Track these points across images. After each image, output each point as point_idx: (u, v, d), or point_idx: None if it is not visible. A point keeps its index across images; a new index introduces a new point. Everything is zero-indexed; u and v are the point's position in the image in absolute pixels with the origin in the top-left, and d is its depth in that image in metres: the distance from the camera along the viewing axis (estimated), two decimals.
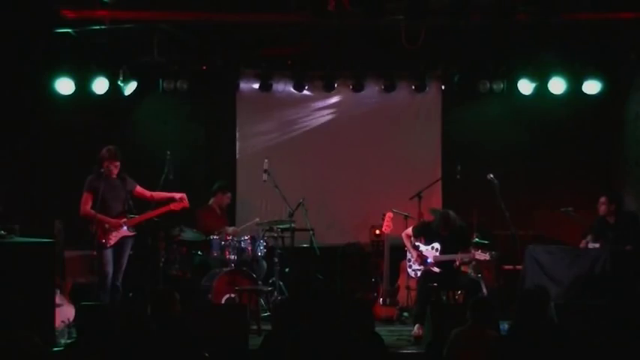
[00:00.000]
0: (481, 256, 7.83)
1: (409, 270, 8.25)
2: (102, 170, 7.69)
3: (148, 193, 8.05)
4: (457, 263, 8.04)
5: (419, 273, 8.09)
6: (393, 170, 10.40)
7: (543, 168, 10.43)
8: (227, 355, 6.26)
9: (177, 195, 8.04)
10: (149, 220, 7.97)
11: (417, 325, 7.59)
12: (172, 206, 8.01)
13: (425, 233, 8.23)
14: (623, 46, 9.50)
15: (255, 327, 7.65)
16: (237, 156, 10.42)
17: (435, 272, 7.99)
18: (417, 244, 8.21)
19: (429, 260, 8.03)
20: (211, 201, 9.33)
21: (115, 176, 7.78)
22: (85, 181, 7.76)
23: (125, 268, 7.87)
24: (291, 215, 9.01)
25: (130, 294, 8.43)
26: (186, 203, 8.08)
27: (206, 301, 8.15)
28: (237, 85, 10.33)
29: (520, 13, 8.13)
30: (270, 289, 8.51)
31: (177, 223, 8.75)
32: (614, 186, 9.97)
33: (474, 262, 8.28)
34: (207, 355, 4.84)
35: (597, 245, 8.03)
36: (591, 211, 8.44)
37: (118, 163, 7.77)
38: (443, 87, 10.46)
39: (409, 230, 8.35)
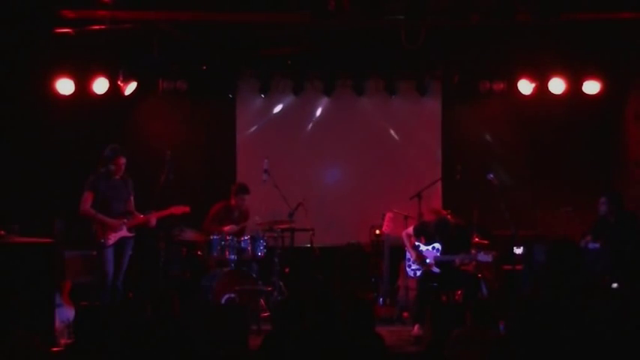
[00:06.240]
0: (484, 258, 7.81)
1: (408, 270, 8.25)
2: (103, 170, 7.68)
3: (131, 206, 7.91)
4: (457, 263, 8.03)
5: (418, 273, 8.09)
6: (393, 170, 10.41)
7: (543, 168, 10.43)
8: (227, 355, 6.26)
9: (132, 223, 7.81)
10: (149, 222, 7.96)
11: (416, 325, 7.59)
12: (173, 210, 8.02)
13: (425, 233, 8.23)
14: (623, 46, 9.49)
15: (255, 327, 7.65)
16: (237, 156, 10.42)
17: (435, 272, 7.98)
18: (417, 244, 8.21)
19: (428, 260, 8.03)
20: (233, 201, 9.01)
21: (118, 176, 7.76)
22: (86, 181, 7.74)
23: (125, 268, 7.86)
24: (291, 215, 9.01)
25: (130, 294, 8.43)
26: (186, 208, 8.08)
27: (206, 301, 8.14)
28: (237, 85, 10.34)
29: (520, 13, 8.13)
30: (270, 289, 8.51)
31: (177, 223, 8.74)
32: (614, 186, 9.96)
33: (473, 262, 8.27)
34: None
35: (597, 245, 8.03)
36: (591, 211, 8.44)
37: (124, 160, 7.76)
38: (443, 87, 10.46)
39: (410, 230, 8.35)
